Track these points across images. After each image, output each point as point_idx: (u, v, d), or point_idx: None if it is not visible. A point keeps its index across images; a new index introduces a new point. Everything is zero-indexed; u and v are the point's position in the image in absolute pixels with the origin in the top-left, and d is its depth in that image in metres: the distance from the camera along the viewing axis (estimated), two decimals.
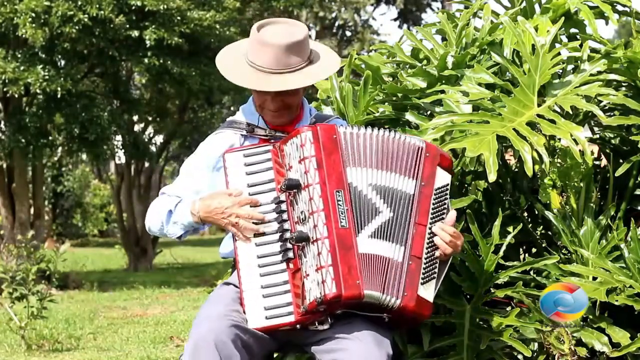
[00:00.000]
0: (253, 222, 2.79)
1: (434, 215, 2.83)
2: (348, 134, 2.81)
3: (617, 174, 3.29)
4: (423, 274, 2.78)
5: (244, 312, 2.76)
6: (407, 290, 2.73)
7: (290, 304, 2.74)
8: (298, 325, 2.75)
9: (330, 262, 2.66)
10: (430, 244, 2.82)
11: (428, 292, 2.80)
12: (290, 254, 2.75)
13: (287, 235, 2.76)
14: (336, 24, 25.65)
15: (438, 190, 2.86)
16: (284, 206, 2.79)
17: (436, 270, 2.84)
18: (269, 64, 2.87)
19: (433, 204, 2.83)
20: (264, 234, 2.79)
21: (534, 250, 3.46)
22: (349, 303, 2.69)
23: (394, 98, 3.46)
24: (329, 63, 2.99)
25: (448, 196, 2.90)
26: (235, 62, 2.97)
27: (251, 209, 2.79)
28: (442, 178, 2.88)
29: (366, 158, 2.80)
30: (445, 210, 2.87)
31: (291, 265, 2.76)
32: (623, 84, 3.41)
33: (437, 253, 2.83)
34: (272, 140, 2.93)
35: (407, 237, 2.77)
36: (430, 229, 2.82)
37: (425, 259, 2.80)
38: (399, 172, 2.81)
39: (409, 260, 2.76)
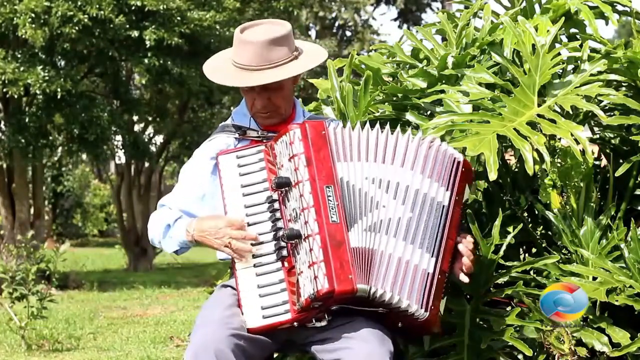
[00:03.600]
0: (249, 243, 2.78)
1: (459, 230, 2.88)
2: (339, 129, 2.82)
3: (617, 174, 3.29)
4: (444, 288, 2.82)
5: (242, 313, 2.77)
6: (434, 303, 2.76)
7: (287, 302, 2.74)
8: (295, 324, 2.74)
9: (322, 257, 2.66)
10: (452, 259, 2.84)
11: (442, 305, 2.84)
12: (284, 252, 2.76)
13: (281, 233, 2.76)
14: (336, 24, 25.65)
15: (463, 206, 2.90)
16: (276, 205, 2.80)
17: (449, 285, 2.87)
18: (251, 60, 2.88)
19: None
20: (260, 255, 2.78)
21: (534, 250, 3.46)
22: (343, 298, 2.69)
23: (394, 98, 3.47)
24: (313, 58, 2.99)
25: (466, 212, 2.95)
26: (221, 65, 3.01)
27: (244, 231, 2.78)
28: (466, 194, 2.92)
29: (360, 152, 2.80)
30: (463, 226, 2.92)
31: (286, 264, 2.76)
32: (623, 84, 3.41)
33: (455, 268, 2.86)
34: (264, 141, 2.93)
35: (439, 249, 2.78)
36: (456, 244, 2.85)
37: (448, 274, 2.83)
38: (429, 177, 2.81)
39: (439, 274, 2.77)
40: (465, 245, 2.87)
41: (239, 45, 2.92)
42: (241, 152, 2.89)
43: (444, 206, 2.81)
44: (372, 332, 2.72)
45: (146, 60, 11.21)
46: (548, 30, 3.30)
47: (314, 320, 2.75)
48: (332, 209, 2.71)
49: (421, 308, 2.73)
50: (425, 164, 2.82)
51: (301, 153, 2.76)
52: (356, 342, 2.69)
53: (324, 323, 2.75)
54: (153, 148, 15.34)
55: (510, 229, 3.25)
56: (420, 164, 2.82)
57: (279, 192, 2.80)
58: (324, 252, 2.66)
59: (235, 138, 3.00)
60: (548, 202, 3.30)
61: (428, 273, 2.75)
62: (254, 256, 2.79)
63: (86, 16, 10.57)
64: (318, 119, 3.11)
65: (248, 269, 2.79)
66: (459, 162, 2.87)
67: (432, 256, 2.77)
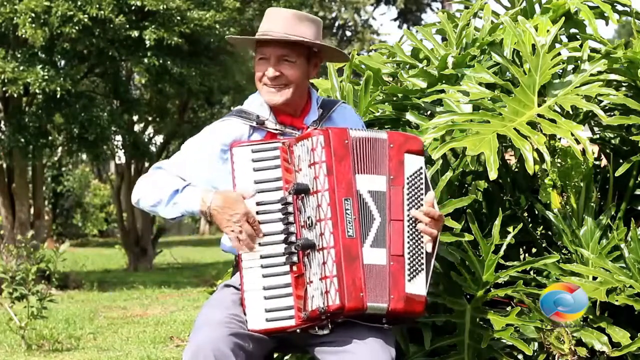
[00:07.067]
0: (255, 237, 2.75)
1: (411, 204, 2.77)
2: (358, 138, 2.77)
3: (617, 174, 3.29)
4: (409, 269, 2.73)
5: (244, 313, 2.75)
6: (393, 293, 2.69)
7: (292, 308, 2.73)
8: (298, 330, 2.74)
9: (335, 272, 2.65)
10: (411, 236, 2.76)
11: (418, 285, 2.73)
12: (295, 259, 2.73)
13: (293, 239, 2.74)
14: (336, 24, 25.67)
15: (410, 178, 2.79)
16: (290, 208, 2.75)
17: (423, 260, 2.76)
18: (278, 28, 2.86)
19: (407, 194, 2.77)
20: (269, 256, 2.75)
21: (534, 250, 3.47)
22: (351, 315, 2.69)
23: (394, 98, 3.47)
24: (335, 50, 3.01)
25: (424, 179, 2.81)
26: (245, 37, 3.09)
27: (257, 229, 2.75)
28: (413, 164, 2.80)
29: (367, 163, 2.77)
30: (422, 195, 2.80)
31: (295, 269, 2.74)
32: (623, 84, 3.41)
33: (422, 241, 2.76)
34: (281, 137, 2.88)
35: (385, 238, 2.73)
36: (409, 220, 2.76)
37: (409, 253, 2.74)
38: (375, 172, 2.77)
39: (390, 261, 2.71)
40: (417, 215, 2.75)
41: (267, 17, 2.91)
42: (257, 147, 2.81)
43: (382, 193, 2.76)
44: (374, 337, 2.71)
45: (146, 60, 11.20)
46: (548, 30, 3.30)
47: (317, 328, 2.74)
48: (349, 222, 2.69)
49: (380, 303, 2.68)
50: (364, 161, 2.78)
51: (323, 161, 2.72)
52: (358, 346, 2.68)
53: (326, 331, 2.74)
54: (153, 148, 15.33)
55: (510, 229, 3.26)
56: (367, 164, 2.78)
57: (295, 196, 2.76)
58: (337, 267, 2.65)
59: (251, 126, 2.92)
60: (548, 202, 3.30)
61: (381, 266, 2.71)
62: (262, 256, 2.75)
63: (86, 16, 10.56)
64: (331, 102, 3.04)
65: (255, 269, 2.76)
66: (383, 141, 2.79)
67: (381, 247, 2.72)
